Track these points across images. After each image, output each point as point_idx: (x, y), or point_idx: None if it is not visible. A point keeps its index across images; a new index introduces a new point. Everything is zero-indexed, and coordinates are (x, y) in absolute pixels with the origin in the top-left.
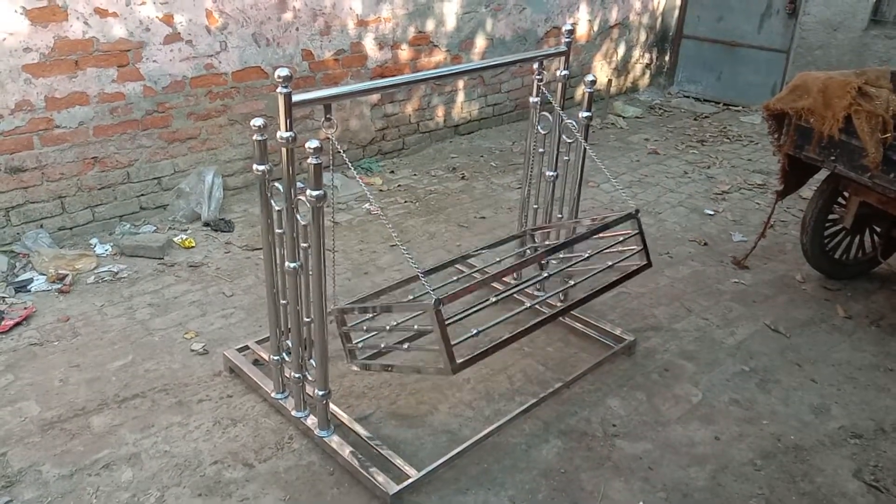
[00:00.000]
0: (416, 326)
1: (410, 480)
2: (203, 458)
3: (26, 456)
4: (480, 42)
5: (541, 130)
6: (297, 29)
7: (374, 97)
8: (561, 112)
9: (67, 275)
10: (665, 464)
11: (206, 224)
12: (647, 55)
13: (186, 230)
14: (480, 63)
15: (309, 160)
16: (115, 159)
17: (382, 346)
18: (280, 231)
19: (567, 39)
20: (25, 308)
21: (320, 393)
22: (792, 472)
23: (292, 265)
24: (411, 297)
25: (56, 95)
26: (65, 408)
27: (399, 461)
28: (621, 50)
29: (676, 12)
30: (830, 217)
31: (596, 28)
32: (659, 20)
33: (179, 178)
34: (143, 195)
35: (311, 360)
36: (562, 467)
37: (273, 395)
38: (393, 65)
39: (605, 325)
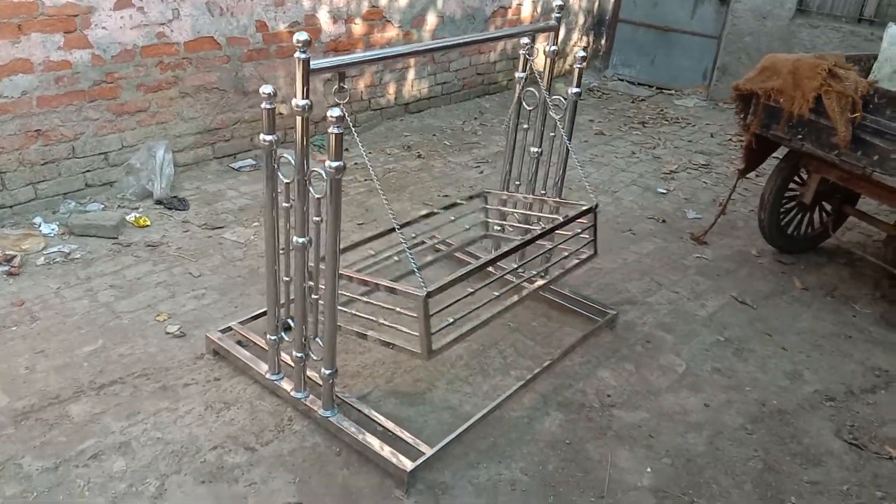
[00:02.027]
0: (397, 309)
1: (425, 457)
2: (201, 443)
3: (1, 450)
4: (431, 19)
5: (526, 106)
6: (252, 0)
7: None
8: (545, 90)
9: (15, 256)
10: (664, 431)
11: (159, 202)
12: (584, 38)
13: (138, 208)
14: (477, 36)
15: (330, 129)
16: (59, 132)
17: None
18: (287, 205)
19: (557, 15)
20: None
21: (327, 372)
22: (780, 435)
23: (301, 240)
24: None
25: None
26: (36, 396)
27: (409, 438)
28: (562, 33)
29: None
30: (786, 194)
31: (539, 10)
32: (597, 4)
33: (127, 154)
34: (88, 171)
35: (317, 339)
36: (566, 438)
37: (268, 376)
38: (346, 39)
39: (586, 300)
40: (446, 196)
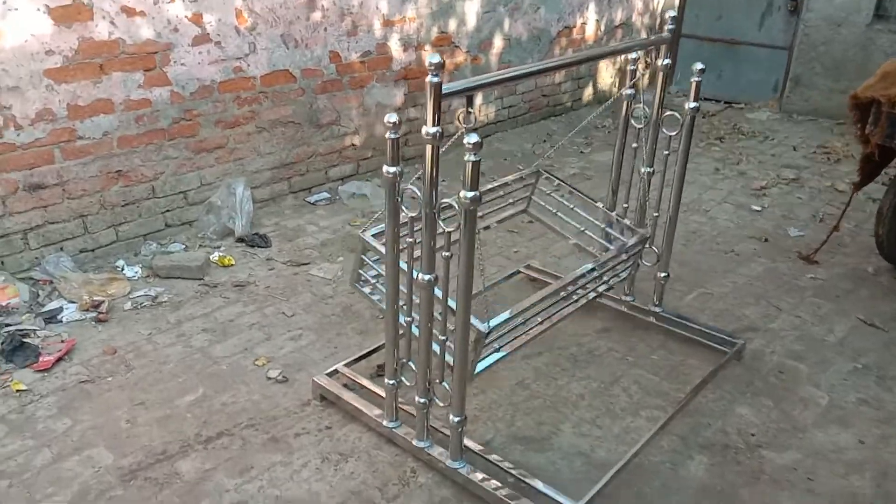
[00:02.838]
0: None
1: None
2: (323, 501)
3: None
4: (498, 42)
5: (635, 124)
6: (326, 29)
7: (399, 100)
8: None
9: (102, 301)
10: (822, 473)
11: (241, 240)
12: (648, 56)
13: (220, 247)
14: (595, 51)
15: (466, 157)
16: (139, 172)
17: None
18: (410, 240)
19: (671, 26)
20: (64, 341)
21: (456, 419)
22: None
23: (427, 277)
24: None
25: (79, 103)
26: (142, 453)
27: (548, 490)
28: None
29: (675, 12)
30: None
31: (602, 28)
32: (658, 20)
33: (206, 192)
34: (168, 211)
35: (444, 383)
36: (717, 485)
37: (385, 423)
38: (416, 66)
39: (706, 329)
40: (530, 221)
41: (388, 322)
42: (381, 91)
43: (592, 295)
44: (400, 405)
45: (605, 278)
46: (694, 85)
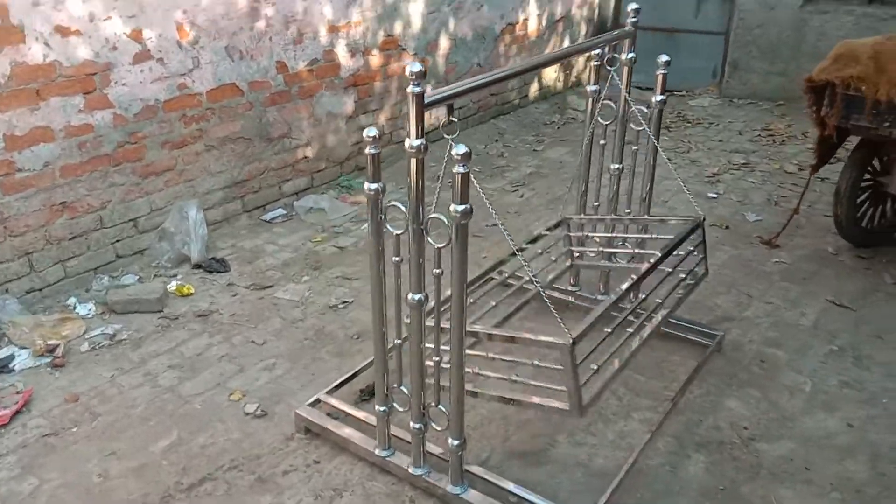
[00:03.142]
0: (535, 362)
1: None
2: None
3: None
4: (444, 43)
5: (601, 121)
6: (271, 39)
7: (349, 108)
8: (629, 98)
9: (57, 344)
10: (818, 461)
11: (198, 266)
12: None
13: (176, 275)
14: (561, 51)
15: (455, 168)
16: (85, 203)
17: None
18: (397, 259)
19: (633, 19)
20: (19, 392)
21: (455, 442)
22: None
23: (417, 297)
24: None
25: (16, 133)
26: None
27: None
28: (566, 44)
29: (612, 2)
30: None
31: (544, 23)
32: (596, 12)
33: (157, 218)
34: (118, 241)
35: (440, 406)
36: (719, 484)
37: (377, 452)
38: (365, 72)
39: (684, 322)
40: (493, 225)
41: (377, 346)
42: (331, 99)
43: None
44: (392, 432)
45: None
46: (660, 77)
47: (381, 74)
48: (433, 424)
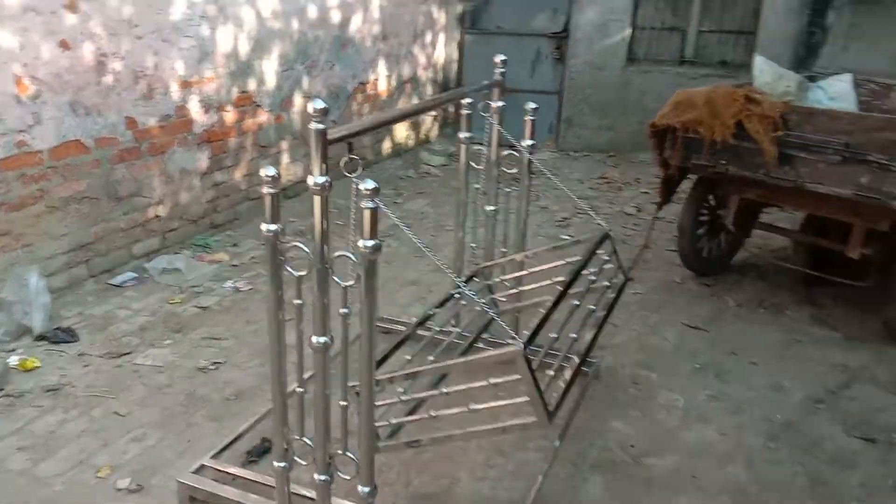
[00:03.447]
0: (490, 380)
1: None
2: None
3: None
4: (298, 100)
5: (475, 165)
6: (119, 94)
7: (203, 164)
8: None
9: None
10: (702, 470)
11: (41, 337)
12: (437, 109)
13: (15, 349)
14: (444, 95)
15: (363, 203)
16: None
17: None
18: (299, 302)
19: (501, 69)
20: None
21: (366, 490)
22: (802, 446)
23: (321, 340)
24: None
25: None
26: None
27: None
28: (415, 102)
29: (455, 65)
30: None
31: (393, 84)
32: (441, 73)
33: None
34: None
35: (348, 453)
36: (618, 501)
37: None
38: (219, 128)
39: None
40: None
41: (275, 397)
42: (184, 156)
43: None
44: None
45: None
46: (529, 123)
47: (235, 130)
48: (339, 474)
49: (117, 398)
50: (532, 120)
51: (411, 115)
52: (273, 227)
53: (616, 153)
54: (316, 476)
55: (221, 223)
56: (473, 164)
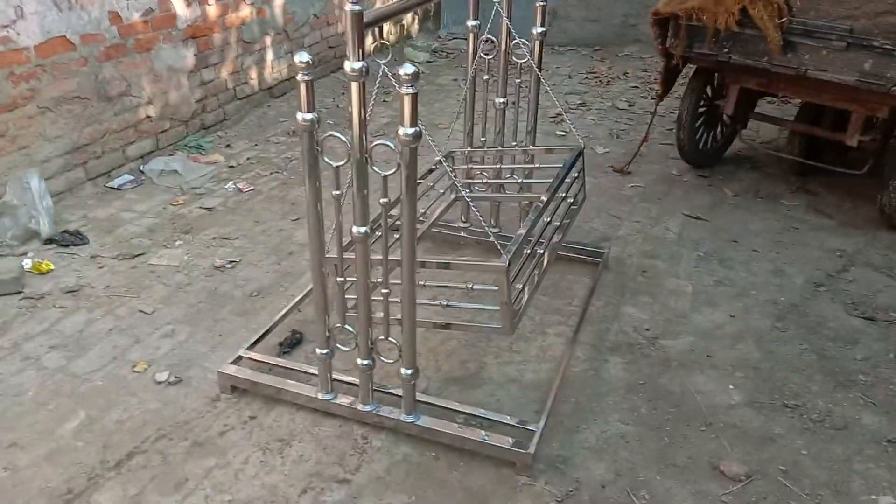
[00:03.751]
0: (470, 286)
1: (537, 434)
2: (283, 491)
3: None
4: None
5: (483, 55)
6: None
7: (190, 62)
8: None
9: None
10: (716, 349)
11: (50, 241)
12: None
13: (26, 253)
14: None
15: (403, 89)
16: None
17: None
18: (338, 193)
19: None
20: None
21: (408, 372)
22: (808, 326)
23: (362, 230)
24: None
25: None
26: (43, 499)
27: (506, 419)
28: None
29: None
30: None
31: None
32: None
33: None
34: None
35: (391, 339)
36: (639, 379)
37: (320, 396)
38: (203, 23)
39: (570, 245)
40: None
41: (316, 286)
42: (171, 53)
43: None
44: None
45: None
46: (539, 9)
47: (219, 26)
48: (382, 358)
49: (139, 297)
50: (542, 5)
51: None
52: (309, 116)
53: (602, 47)
54: (359, 361)
55: (212, 123)
56: (483, 54)
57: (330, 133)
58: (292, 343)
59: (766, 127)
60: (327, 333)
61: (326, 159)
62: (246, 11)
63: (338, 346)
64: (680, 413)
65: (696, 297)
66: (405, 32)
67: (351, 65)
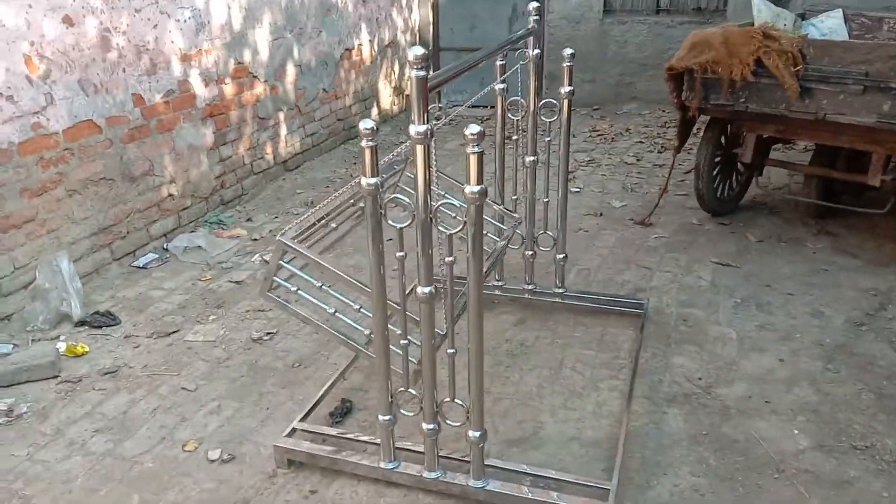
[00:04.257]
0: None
1: (612, 495)
2: None
3: None
4: (291, 69)
5: (512, 116)
6: (124, 70)
7: (209, 139)
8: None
9: None
10: (772, 394)
11: (81, 323)
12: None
13: (59, 336)
14: (498, 45)
15: (469, 149)
16: None
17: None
18: (401, 254)
19: (535, 17)
20: None
21: (477, 434)
22: (859, 365)
23: (426, 290)
24: None
25: None
26: None
27: (577, 479)
28: (396, 67)
29: (431, 28)
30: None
31: (376, 49)
32: (417, 36)
33: (21, 276)
34: None
35: (457, 401)
36: (701, 430)
37: (383, 465)
38: (220, 101)
39: (609, 297)
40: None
41: (379, 351)
42: (191, 131)
43: None
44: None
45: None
46: (566, 69)
47: (235, 103)
48: (449, 422)
49: (179, 374)
50: (569, 66)
51: (493, 53)
52: (373, 180)
53: (600, 106)
54: (424, 425)
55: (231, 199)
56: (511, 115)
57: (394, 196)
58: (343, 412)
59: (777, 172)
60: (390, 399)
61: (391, 221)
62: (260, 89)
63: (401, 411)
64: (749, 461)
65: (742, 343)
66: (406, 103)
67: (416, 128)
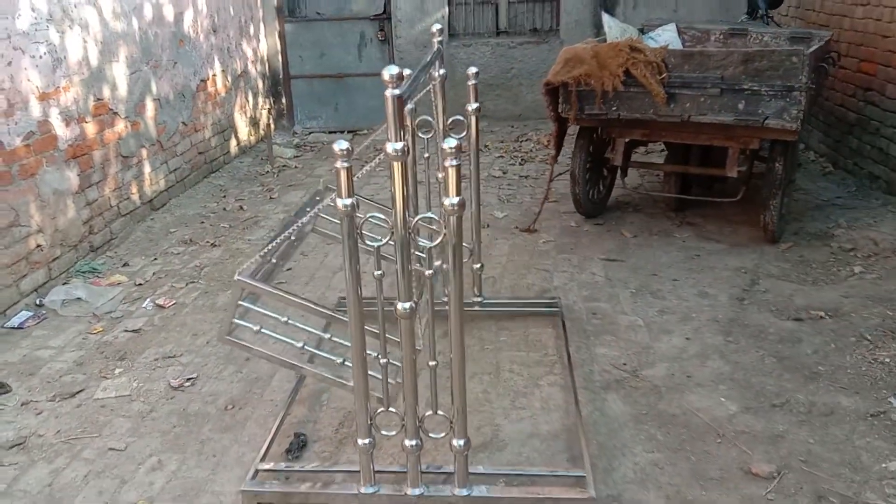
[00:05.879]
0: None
1: (591, 479)
2: None
3: None
4: (150, 104)
5: (422, 136)
6: None
7: (74, 183)
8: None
9: None
10: (691, 369)
11: None
12: (267, 101)
13: None
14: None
15: (447, 162)
16: None
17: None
18: (379, 273)
19: (439, 38)
20: None
21: (461, 442)
22: (753, 335)
23: (407, 305)
24: None
25: None
26: None
27: (555, 471)
28: (249, 98)
29: (280, 56)
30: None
31: (229, 80)
32: (268, 67)
33: None
34: None
35: (439, 412)
36: (640, 410)
37: (363, 490)
38: (83, 141)
39: (524, 301)
40: (289, 269)
41: (357, 373)
42: (55, 175)
43: None
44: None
45: None
46: (472, 87)
47: (98, 142)
48: (431, 435)
49: (100, 435)
50: (475, 84)
51: (425, 68)
52: (348, 201)
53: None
54: (407, 442)
55: (100, 245)
56: (421, 134)
57: (371, 214)
58: (299, 446)
59: (632, 173)
60: (369, 422)
61: (367, 241)
62: (121, 126)
63: (382, 432)
64: (691, 432)
65: (650, 328)
66: (263, 132)
67: (393, 145)
